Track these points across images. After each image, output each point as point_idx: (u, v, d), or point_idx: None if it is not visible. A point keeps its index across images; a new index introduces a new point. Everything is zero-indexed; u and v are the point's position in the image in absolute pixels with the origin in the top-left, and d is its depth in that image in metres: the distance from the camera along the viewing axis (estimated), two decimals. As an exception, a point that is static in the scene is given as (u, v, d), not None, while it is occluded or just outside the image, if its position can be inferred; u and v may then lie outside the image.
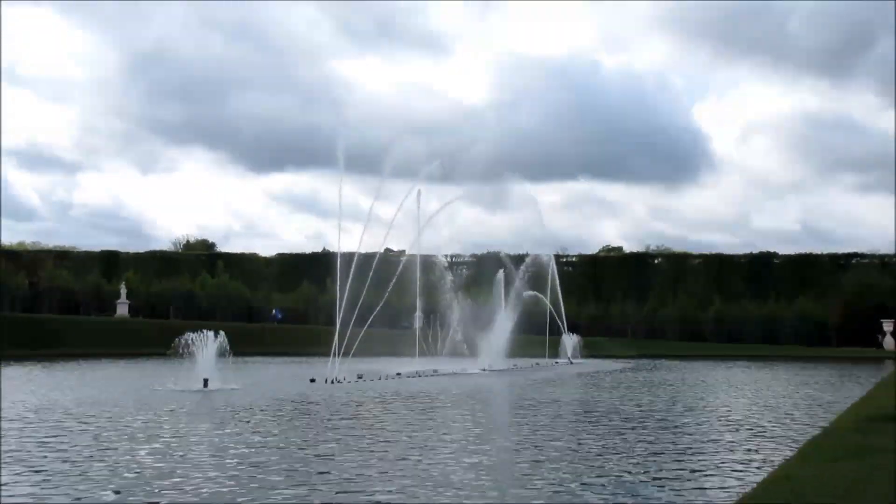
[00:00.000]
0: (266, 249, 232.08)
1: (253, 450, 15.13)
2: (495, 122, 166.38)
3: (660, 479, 12.64)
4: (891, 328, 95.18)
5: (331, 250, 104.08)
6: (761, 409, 25.46)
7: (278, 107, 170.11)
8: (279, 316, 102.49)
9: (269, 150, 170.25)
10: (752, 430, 19.60)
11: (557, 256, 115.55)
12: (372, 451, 15.05)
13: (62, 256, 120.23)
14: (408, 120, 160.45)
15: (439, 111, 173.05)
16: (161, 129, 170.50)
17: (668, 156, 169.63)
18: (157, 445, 15.55)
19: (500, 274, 60.67)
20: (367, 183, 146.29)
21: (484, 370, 47.18)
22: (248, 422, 19.72)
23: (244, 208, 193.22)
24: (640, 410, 24.02)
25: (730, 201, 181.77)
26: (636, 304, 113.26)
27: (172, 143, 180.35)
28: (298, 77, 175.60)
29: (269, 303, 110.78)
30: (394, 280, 44.63)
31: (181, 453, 14.50)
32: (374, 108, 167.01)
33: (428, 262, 56.40)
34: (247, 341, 68.58)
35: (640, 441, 17.06)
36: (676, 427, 19.89)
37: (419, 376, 39.71)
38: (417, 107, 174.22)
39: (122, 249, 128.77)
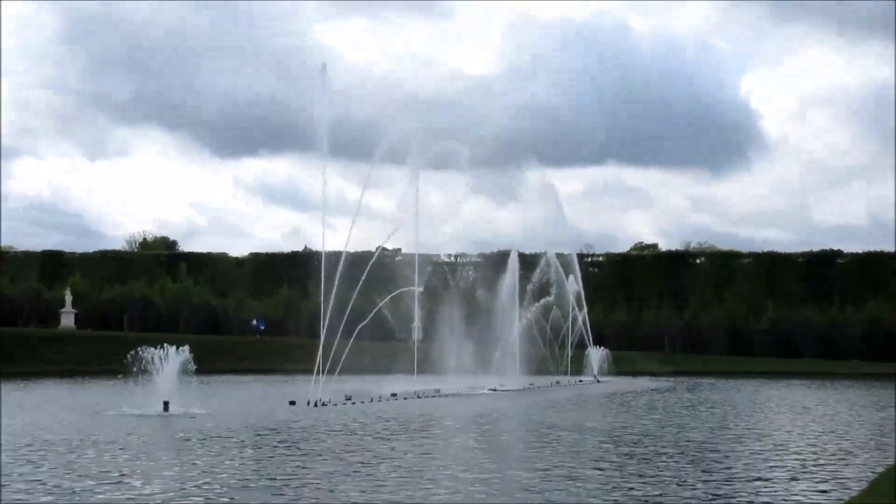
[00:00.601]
0: (237, 248, 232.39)
1: (220, 488, 14.98)
2: (505, 97, 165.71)
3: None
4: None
5: (314, 249, 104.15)
6: (825, 436, 25.31)
7: (249, 79, 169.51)
8: (261, 326, 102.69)
9: (237, 131, 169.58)
10: (814, 460, 19.46)
11: (581, 256, 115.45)
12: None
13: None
14: (401, 94, 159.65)
15: (438, 84, 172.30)
16: (109, 107, 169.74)
17: (711, 136, 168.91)
18: (97, 485, 15.39)
19: (514, 277, 60.47)
20: (354, 169, 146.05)
21: (494, 390, 47.08)
22: (217, 455, 19.56)
23: (210, 200, 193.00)
24: (683, 439, 23.85)
25: (785, 190, 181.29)
26: (674, 312, 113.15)
27: (123, 122, 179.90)
28: (272, 44, 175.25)
29: (242, 311, 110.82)
30: (422, 288, 44.50)
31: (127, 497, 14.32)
32: (361, 81, 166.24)
33: (428, 263, 56.29)
34: (215, 356, 68.49)
35: (686, 480, 16.90)
36: (727, 457, 19.74)
37: (418, 398, 39.64)
38: (413, 79, 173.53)
39: (67, 249, 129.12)
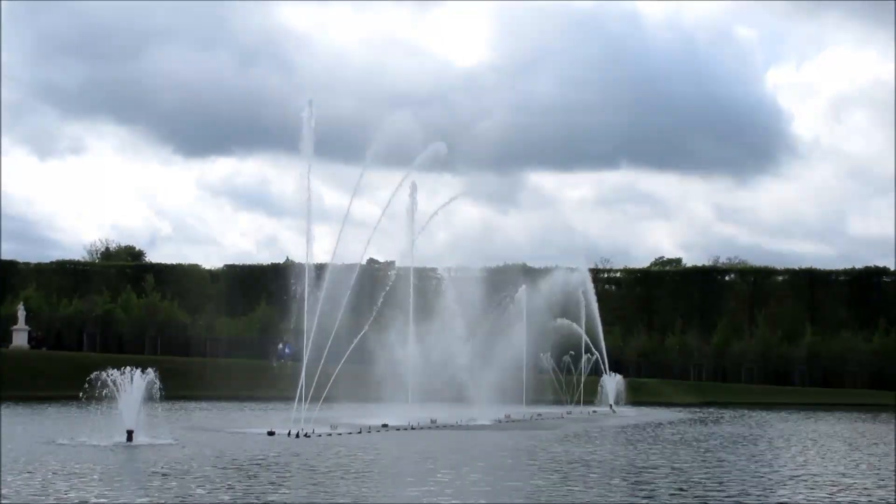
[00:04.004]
0: (206, 259, 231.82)
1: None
2: (501, 93, 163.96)
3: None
4: None
5: (296, 260, 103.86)
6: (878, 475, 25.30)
7: (212, 67, 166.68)
8: (288, 351, 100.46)
9: (200, 127, 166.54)
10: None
11: (596, 271, 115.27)
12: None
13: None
14: (384, 88, 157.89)
15: (423, 77, 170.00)
16: (56, 98, 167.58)
17: (735, 137, 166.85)
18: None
19: (521, 293, 60.53)
20: (330, 171, 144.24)
21: (498, 421, 47.08)
22: (185, 496, 19.54)
23: (173, 204, 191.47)
24: (712, 479, 23.82)
25: (820, 199, 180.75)
26: (701, 336, 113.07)
27: (72, 115, 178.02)
28: (238, 28, 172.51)
29: (214, 330, 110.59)
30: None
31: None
32: (336, 72, 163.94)
33: (424, 278, 56.38)
34: (185, 381, 68.40)
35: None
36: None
37: (412, 429, 39.64)
38: (395, 71, 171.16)
39: (20, 259, 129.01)
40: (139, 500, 18.15)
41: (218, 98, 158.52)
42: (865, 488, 22.64)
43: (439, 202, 53.57)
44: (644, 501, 19.76)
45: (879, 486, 23.02)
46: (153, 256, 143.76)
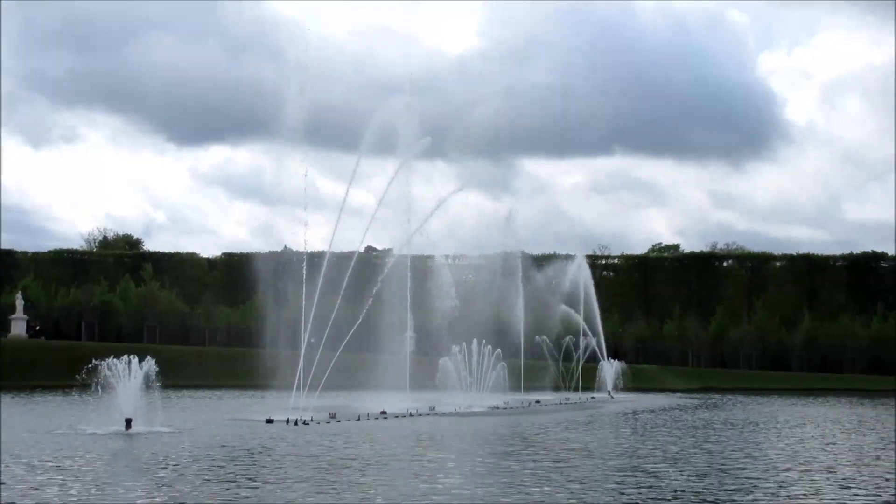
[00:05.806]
0: (202, 247, 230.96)
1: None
2: (494, 80, 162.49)
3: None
4: None
5: (294, 249, 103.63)
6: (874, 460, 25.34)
7: (203, 56, 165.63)
8: (313, 340, 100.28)
9: (191, 116, 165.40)
10: (865, 490, 19.52)
11: (594, 258, 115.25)
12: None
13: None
14: (373, 76, 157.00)
15: (415, 65, 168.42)
16: (48, 87, 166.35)
17: (729, 123, 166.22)
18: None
19: (519, 281, 60.56)
20: (323, 159, 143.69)
21: (497, 408, 47.09)
22: (171, 486, 19.56)
23: (166, 192, 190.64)
24: (711, 465, 23.85)
25: (815, 184, 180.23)
26: (699, 322, 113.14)
27: (64, 105, 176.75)
28: (227, 17, 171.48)
29: (212, 319, 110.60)
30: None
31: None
32: (327, 60, 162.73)
33: (423, 265, 56.38)
34: (184, 369, 68.50)
35: None
36: (767, 490, 19.76)
37: (411, 416, 39.68)
38: (385, 59, 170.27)
39: (18, 248, 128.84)
40: (138, 489, 18.19)
41: (210, 87, 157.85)
42: (861, 474, 22.74)
43: (433, 189, 53.60)
44: (643, 489, 19.83)
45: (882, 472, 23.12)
46: (149, 246, 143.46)
